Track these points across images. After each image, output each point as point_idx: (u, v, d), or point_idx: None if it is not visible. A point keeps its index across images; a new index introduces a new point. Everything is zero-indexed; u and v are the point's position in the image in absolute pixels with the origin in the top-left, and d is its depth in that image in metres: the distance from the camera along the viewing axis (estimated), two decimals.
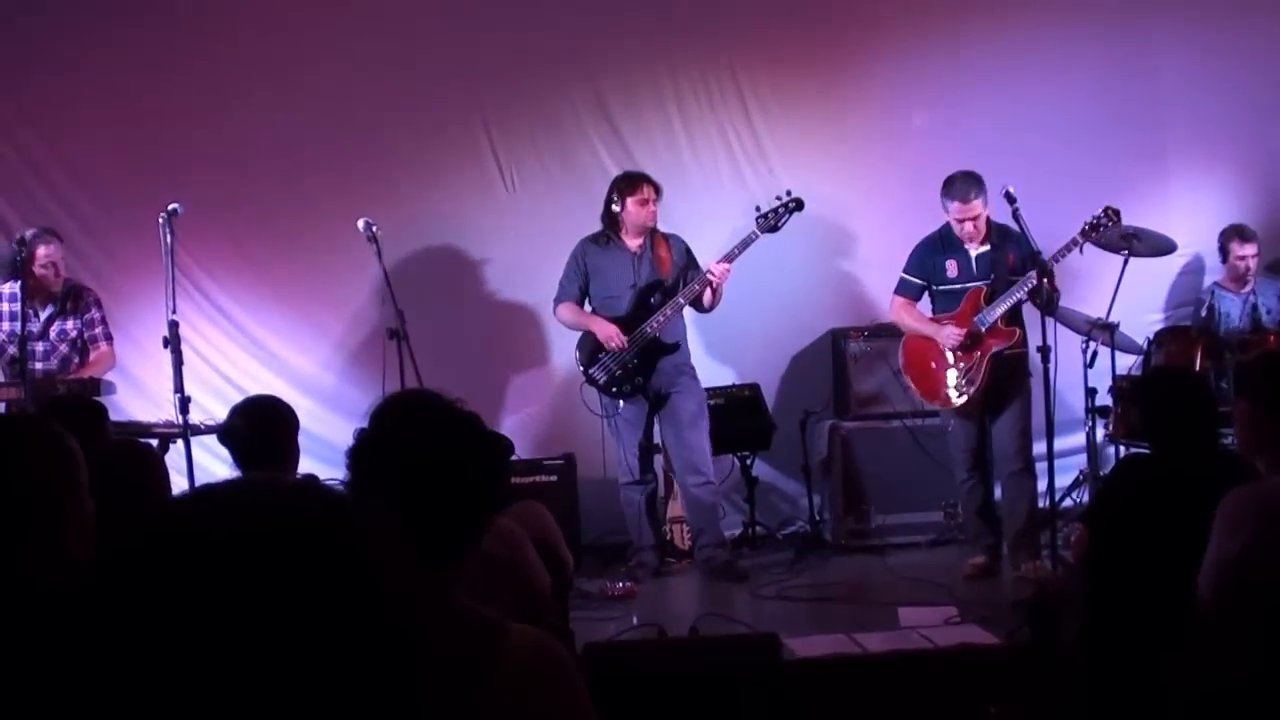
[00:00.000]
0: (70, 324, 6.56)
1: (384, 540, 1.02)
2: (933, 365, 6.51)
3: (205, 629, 0.92)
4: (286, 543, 0.97)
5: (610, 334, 6.57)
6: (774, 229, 6.61)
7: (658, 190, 6.70)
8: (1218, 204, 7.69)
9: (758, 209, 6.63)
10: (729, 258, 6.55)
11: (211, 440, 6.34)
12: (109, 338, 6.66)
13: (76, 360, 6.58)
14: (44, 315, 6.52)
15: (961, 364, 6.41)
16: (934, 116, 7.69)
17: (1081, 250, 6.26)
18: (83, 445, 2.35)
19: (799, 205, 6.62)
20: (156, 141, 7.29)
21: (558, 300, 6.81)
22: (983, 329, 6.35)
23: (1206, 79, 7.73)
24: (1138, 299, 7.11)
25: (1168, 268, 7.56)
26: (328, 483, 2.92)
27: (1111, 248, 6.47)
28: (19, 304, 6.21)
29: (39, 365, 6.44)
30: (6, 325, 6.33)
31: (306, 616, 0.94)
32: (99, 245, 7.20)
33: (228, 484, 1.06)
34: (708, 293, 6.58)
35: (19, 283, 6.24)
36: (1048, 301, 6.07)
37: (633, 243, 6.72)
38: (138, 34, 7.29)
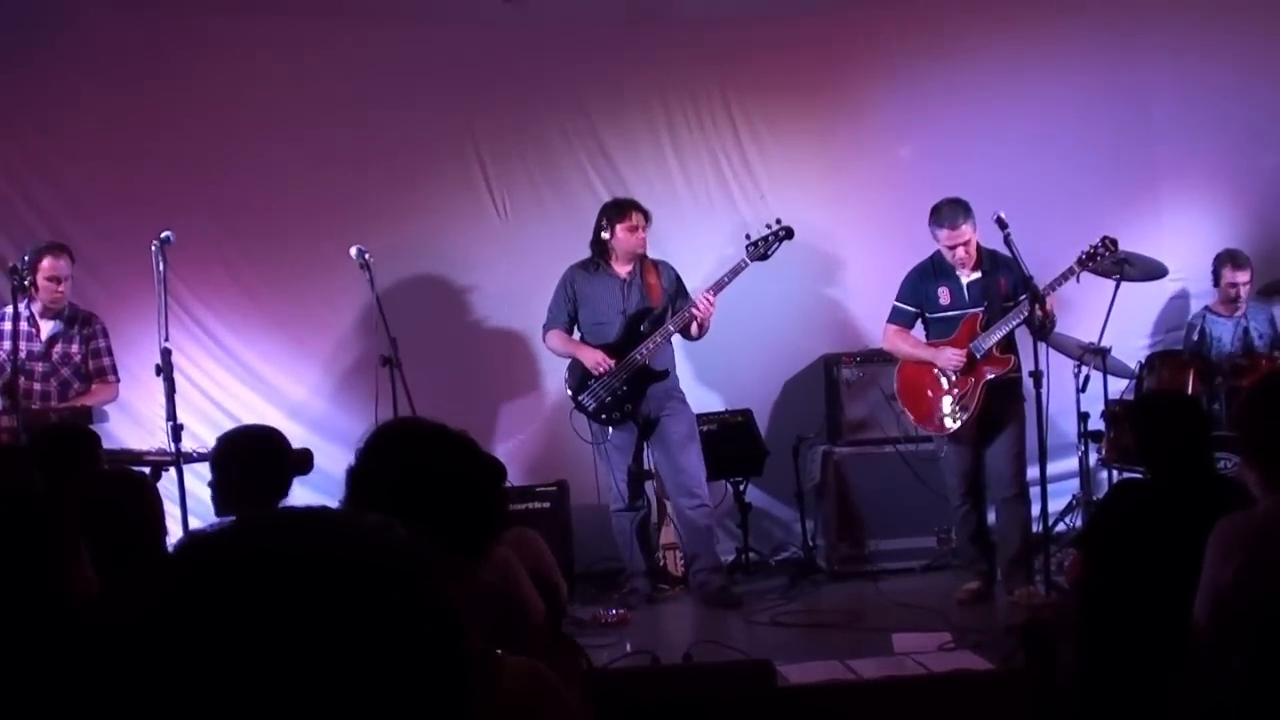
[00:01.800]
0: (75, 348, 6.49)
1: (448, 579, 1.04)
2: (927, 391, 6.52)
3: (287, 646, 0.93)
4: (367, 577, 0.98)
5: (597, 359, 6.57)
6: (764, 257, 6.62)
7: (647, 217, 6.73)
8: (1208, 230, 7.72)
9: (748, 237, 6.64)
10: (718, 286, 6.56)
11: (204, 468, 6.31)
12: (115, 371, 6.58)
13: (77, 385, 6.48)
14: (46, 334, 6.44)
15: (956, 390, 6.42)
16: (926, 145, 7.72)
17: (1078, 279, 6.27)
18: (75, 474, 2.36)
19: (789, 234, 6.63)
20: (149, 170, 7.29)
21: (547, 327, 6.82)
22: (978, 356, 6.36)
23: (1197, 106, 7.78)
24: (1128, 323, 7.13)
25: (1157, 292, 7.59)
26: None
27: (1104, 273, 6.49)
28: (21, 324, 6.19)
29: (37, 386, 6.37)
30: (7, 344, 6.18)
31: (378, 645, 0.96)
32: (92, 273, 7.17)
33: (298, 512, 1.06)
34: (694, 325, 6.59)
35: (23, 303, 6.22)
36: (1041, 326, 6.09)
37: (622, 269, 6.73)
38: (131, 66, 7.30)
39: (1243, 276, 7.30)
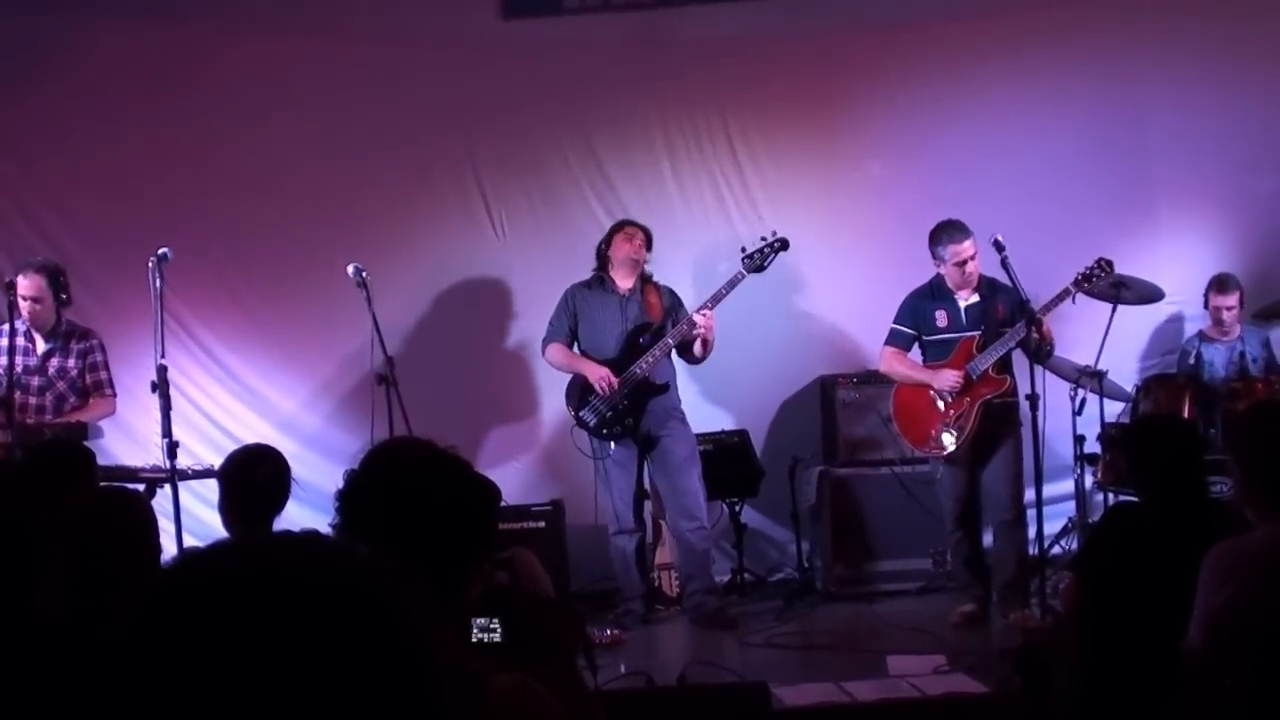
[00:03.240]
0: (72, 362, 6.49)
1: (418, 601, 1.05)
2: (923, 413, 6.51)
3: (254, 669, 0.94)
4: (332, 598, 0.99)
5: (601, 375, 6.57)
6: (760, 269, 6.63)
7: (648, 237, 6.76)
8: (1204, 254, 7.72)
9: (743, 249, 6.66)
10: (716, 299, 6.57)
11: (199, 485, 6.33)
12: (112, 385, 6.58)
13: (73, 400, 6.48)
14: (42, 349, 6.44)
15: (952, 412, 6.41)
16: (923, 168, 7.73)
17: (1074, 300, 6.28)
18: (70, 491, 2.36)
19: (784, 245, 6.64)
20: (147, 187, 7.31)
21: (547, 340, 6.82)
22: (974, 377, 6.36)
23: (1194, 132, 7.78)
24: (1125, 347, 7.14)
25: (1154, 315, 7.59)
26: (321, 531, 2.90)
27: (1100, 296, 6.50)
28: (18, 340, 6.21)
29: (33, 400, 6.37)
30: (3, 359, 6.18)
31: (344, 667, 0.97)
32: (89, 290, 7.17)
33: (275, 538, 1.08)
34: (698, 343, 6.59)
35: (19, 320, 6.24)
36: (1037, 350, 6.10)
37: (623, 285, 6.74)
38: (128, 83, 7.32)
39: (1229, 300, 7.27)
